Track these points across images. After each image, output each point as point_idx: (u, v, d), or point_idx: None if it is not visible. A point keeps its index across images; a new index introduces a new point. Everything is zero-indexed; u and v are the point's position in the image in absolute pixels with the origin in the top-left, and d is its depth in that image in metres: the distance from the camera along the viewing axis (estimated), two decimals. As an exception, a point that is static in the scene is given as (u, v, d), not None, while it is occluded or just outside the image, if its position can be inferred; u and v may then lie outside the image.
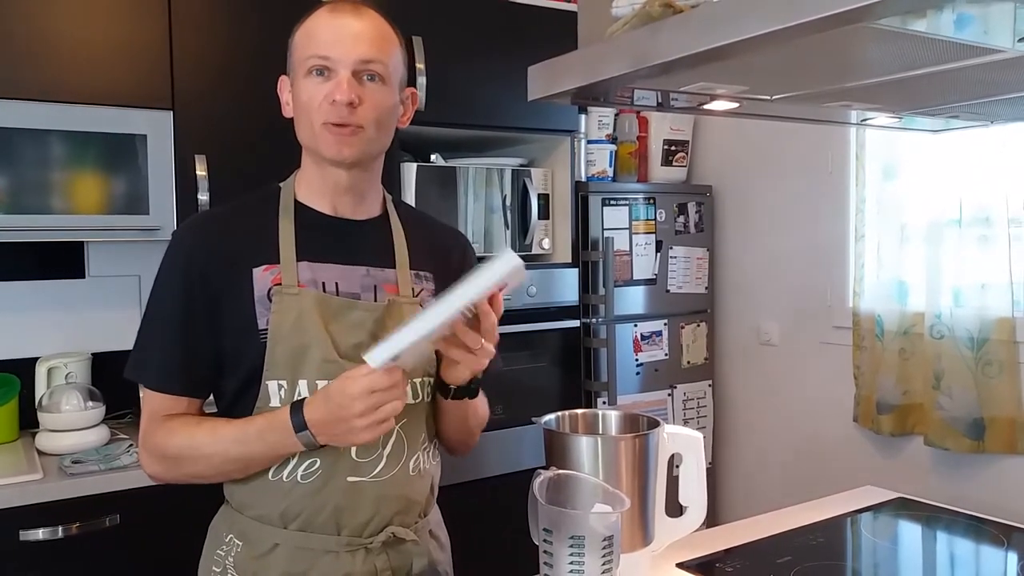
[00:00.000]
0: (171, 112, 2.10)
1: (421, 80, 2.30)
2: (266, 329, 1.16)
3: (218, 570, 1.22)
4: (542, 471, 1.14)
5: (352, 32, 1.17)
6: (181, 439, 1.18)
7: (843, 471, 2.66)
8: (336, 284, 1.21)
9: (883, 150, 2.50)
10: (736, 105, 1.23)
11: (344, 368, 1.14)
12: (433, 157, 2.47)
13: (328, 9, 1.19)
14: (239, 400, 1.20)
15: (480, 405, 1.36)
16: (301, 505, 1.18)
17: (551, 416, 1.31)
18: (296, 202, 1.25)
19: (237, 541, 1.21)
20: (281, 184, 1.29)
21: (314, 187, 1.25)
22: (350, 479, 1.18)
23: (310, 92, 1.17)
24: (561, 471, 1.16)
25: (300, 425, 1.11)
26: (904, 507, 1.68)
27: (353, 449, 1.18)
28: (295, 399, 1.15)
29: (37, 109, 1.94)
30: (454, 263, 1.35)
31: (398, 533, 1.22)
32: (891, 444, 2.56)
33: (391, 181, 2.29)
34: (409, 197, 2.34)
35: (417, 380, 1.26)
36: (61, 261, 2.32)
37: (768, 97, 1.19)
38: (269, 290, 1.18)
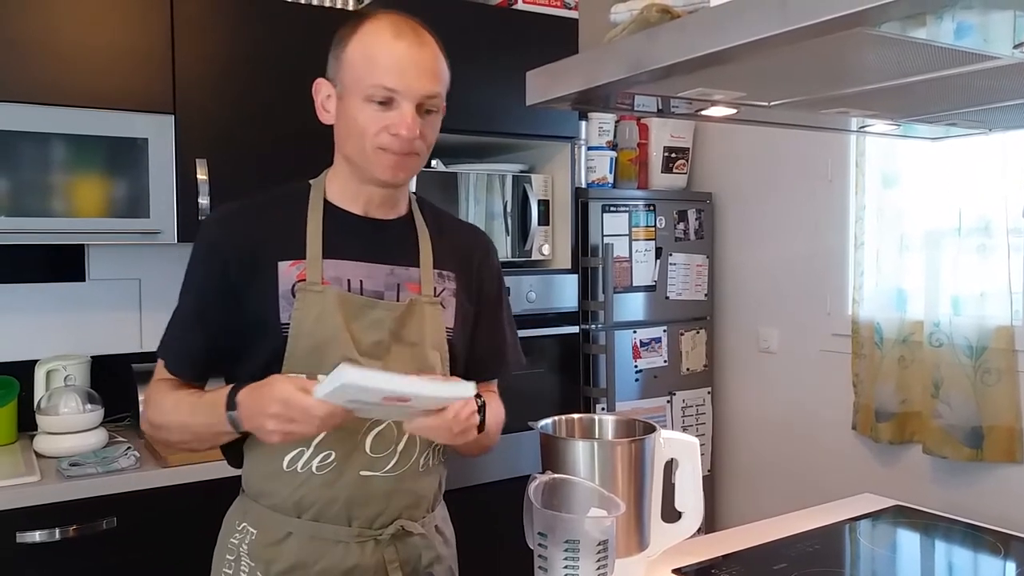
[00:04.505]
0: (173, 116, 2.11)
1: (422, 86, 2.30)
2: (287, 324, 1.19)
3: (231, 557, 1.25)
4: (538, 475, 1.14)
5: (417, 63, 1.17)
6: (157, 402, 1.25)
7: (841, 479, 2.65)
8: (361, 282, 1.23)
9: (883, 158, 2.49)
10: (734, 111, 1.24)
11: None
12: (434, 162, 2.47)
13: (392, 33, 1.17)
14: None
15: (489, 425, 1.30)
16: (315, 495, 1.20)
17: (548, 421, 1.32)
18: (326, 200, 1.27)
19: (251, 529, 1.24)
20: (311, 181, 1.30)
21: (348, 192, 1.26)
22: (363, 473, 1.21)
23: (369, 118, 1.17)
24: (557, 475, 1.17)
25: (231, 404, 1.14)
26: (902, 515, 1.68)
27: (368, 444, 1.21)
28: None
29: (39, 112, 1.95)
30: (476, 263, 1.38)
31: (407, 526, 1.25)
32: (889, 452, 2.55)
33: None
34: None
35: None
36: (62, 264, 2.33)
37: (766, 103, 1.20)
38: (293, 286, 1.20)
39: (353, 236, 1.25)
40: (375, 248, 1.26)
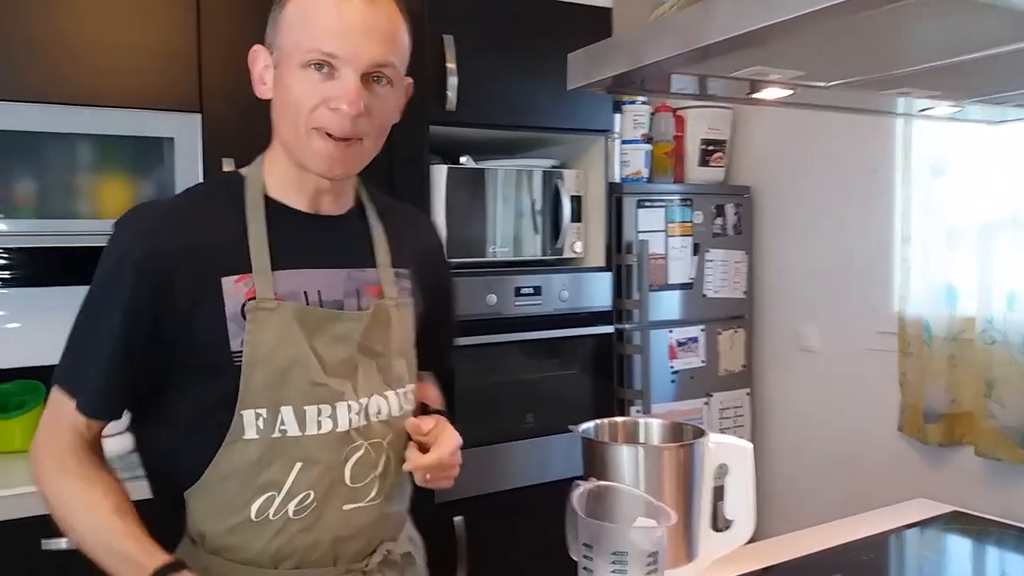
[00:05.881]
0: (199, 115, 2.07)
1: (452, 80, 2.25)
2: (240, 352, 1.01)
3: None
4: (580, 482, 1.08)
5: (364, 25, 1.00)
6: (55, 489, 1.04)
7: (888, 483, 2.56)
8: (319, 292, 1.07)
9: (931, 147, 2.41)
10: (789, 93, 1.16)
11: (331, 391, 1.05)
12: (463, 159, 2.42)
13: None
14: (200, 429, 1.04)
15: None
16: (295, 543, 1.06)
17: (589, 424, 1.25)
18: (267, 197, 1.08)
19: None
20: (243, 172, 1.12)
21: (290, 184, 1.09)
22: (346, 507, 1.08)
23: (304, 89, 1.00)
24: (601, 483, 1.10)
25: None
26: (956, 521, 1.60)
27: (348, 474, 1.07)
28: (276, 429, 1.03)
29: (64, 112, 1.91)
30: (428, 256, 1.25)
31: (391, 549, 1.15)
32: (939, 454, 2.46)
33: (420, 184, 2.24)
34: (438, 200, 2.28)
35: (401, 391, 1.15)
36: (87, 266, 2.29)
37: (824, 84, 1.12)
38: (243, 305, 1.02)
39: (303, 239, 1.08)
40: (329, 250, 1.10)
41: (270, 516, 1.04)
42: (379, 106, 1.03)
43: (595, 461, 1.17)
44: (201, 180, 2.05)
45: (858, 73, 1.07)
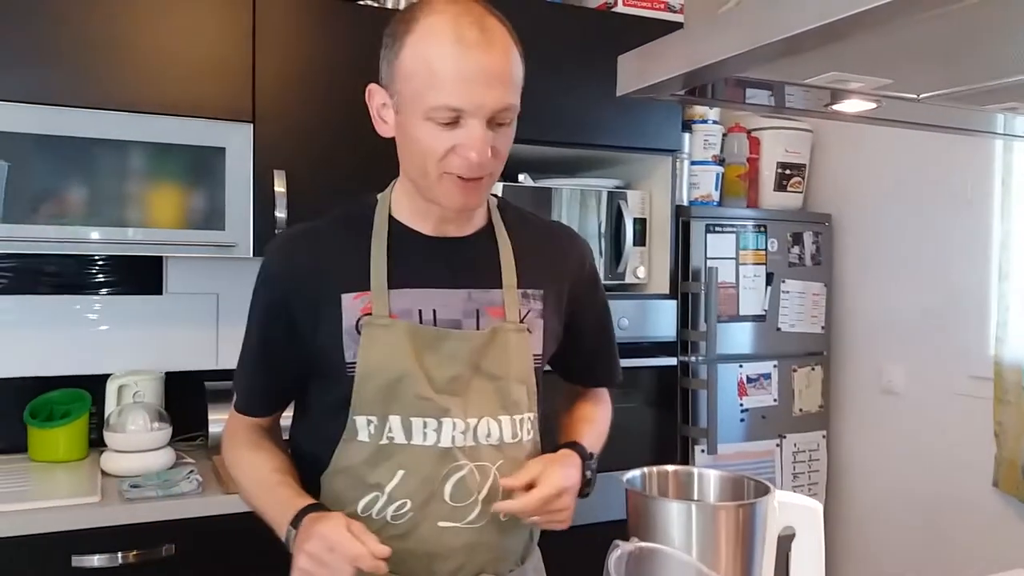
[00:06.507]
0: (251, 125, 2.03)
1: (512, 95, 2.16)
2: (354, 363, 1.10)
3: None
4: (620, 543, 0.95)
5: (486, 73, 1.02)
6: (235, 450, 1.23)
7: (981, 546, 2.34)
8: (434, 311, 1.13)
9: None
10: (873, 106, 1.01)
11: (437, 406, 1.10)
12: (521, 177, 2.34)
13: (453, 36, 1.01)
14: (324, 426, 1.15)
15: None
16: (391, 546, 1.08)
17: (635, 473, 1.12)
18: (393, 219, 1.16)
19: None
20: (379, 196, 1.20)
21: (416, 209, 1.16)
22: (441, 524, 1.11)
23: (433, 139, 1.04)
24: (644, 544, 0.97)
25: (297, 521, 1.07)
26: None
27: (447, 491, 1.11)
28: (384, 436, 1.11)
29: (117, 119, 1.91)
30: (567, 274, 1.24)
31: None
32: (1041, 516, 2.22)
33: (476, 201, 2.15)
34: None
35: (517, 417, 1.16)
36: (140, 276, 2.28)
37: (915, 96, 0.97)
38: (358, 320, 1.11)
39: (424, 260, 1.14)
40: (449, 271, 1.15)
41: (373, 515, 1.12)
42: (502, 144, 1.08)
43: (640, 517, 1.04)
44: (251, 191, 2.03)
45: (956, 83, 0.92)
